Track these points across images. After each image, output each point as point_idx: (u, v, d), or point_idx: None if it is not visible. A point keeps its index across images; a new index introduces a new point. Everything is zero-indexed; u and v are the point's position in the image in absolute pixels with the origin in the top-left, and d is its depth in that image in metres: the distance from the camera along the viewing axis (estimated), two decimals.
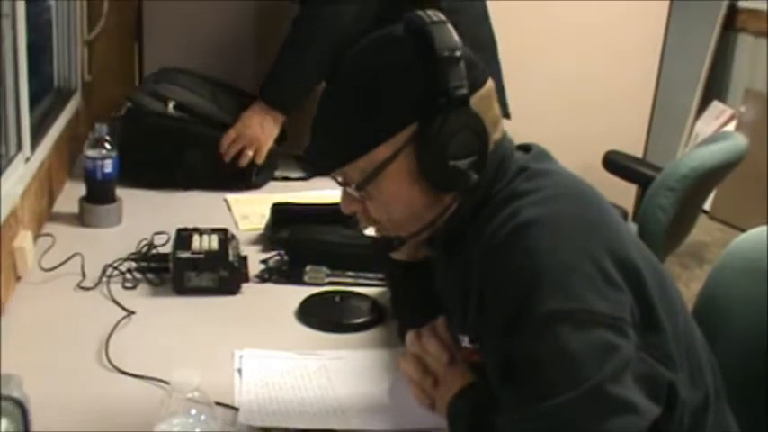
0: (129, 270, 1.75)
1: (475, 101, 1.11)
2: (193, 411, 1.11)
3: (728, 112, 4.67)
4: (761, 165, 4.06)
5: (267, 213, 1.98)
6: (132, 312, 1.58)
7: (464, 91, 1.09)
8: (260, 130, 2.27)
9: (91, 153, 2.00)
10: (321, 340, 1.56)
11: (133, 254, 1.80)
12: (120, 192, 2.07)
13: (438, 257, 1.27)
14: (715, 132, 4.19)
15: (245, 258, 1.79)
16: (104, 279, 1.71)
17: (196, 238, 1.74)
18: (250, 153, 2.27)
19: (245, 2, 2.69)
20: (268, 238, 1.93)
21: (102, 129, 2.01)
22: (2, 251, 1.57)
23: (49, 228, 1.96)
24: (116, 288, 1.68)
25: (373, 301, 1.68)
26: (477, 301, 1.11)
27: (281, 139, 2.34)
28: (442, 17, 1.12)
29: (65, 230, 1.96)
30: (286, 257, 1.80)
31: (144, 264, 1.76)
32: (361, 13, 2.14)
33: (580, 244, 1.04)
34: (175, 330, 1.56)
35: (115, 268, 1.74)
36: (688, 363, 1.14)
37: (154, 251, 1.82)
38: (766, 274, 1.38)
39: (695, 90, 4.80)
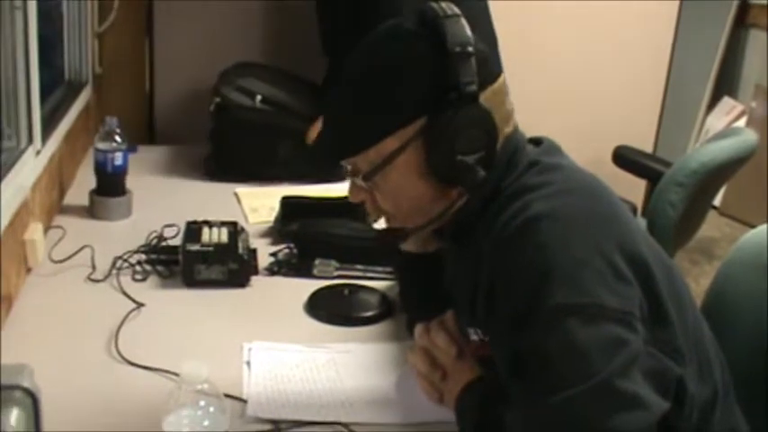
0: (138, 262, 1.75)
1: (486, 96, 1.11)
2: (202, 403, 1.12)
3: (739, 107, 4.65)
4: None
5: (277, 206, 1.99)
6: (142, 304, 1.59)
7: (474, 87, 1.09)
8: None
9: (101, 146, 2.00)
10: (330, 333, 1.56)
11: (143, 246, 1.81)
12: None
13: (449, 250, 1.27)
14: (725, 128, 4.16)
15: (254, 251, 1.79)
16: (114, 271, 1.72)
17: (206, 230, 1.74)
18: None
19: None
20: (277, 231, 1.93)
21: (112, 121, 2.01)
22: (13, 243, 1.58)
23: (60, 220, 1.97)
24: (126, 280, 1.69)
25: (382, 295, 1.68)
26: (486, 293, 1.11)
27: None
28: (456, 10, 1.11)
29: (75, 223, 1.97)
30: (295, 250, 1.81)
31: (154, 256, 1.77)
32: None
33: (591, 239, 1.04)
34: (185, 323, 1.56)
35: (125, 260, 1.75)
36: (697, 358, 1.14)
37: (164, 243, 1.83)
38: None
39: (706, 85, 4.78)
